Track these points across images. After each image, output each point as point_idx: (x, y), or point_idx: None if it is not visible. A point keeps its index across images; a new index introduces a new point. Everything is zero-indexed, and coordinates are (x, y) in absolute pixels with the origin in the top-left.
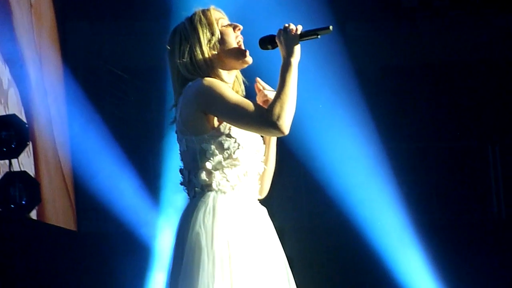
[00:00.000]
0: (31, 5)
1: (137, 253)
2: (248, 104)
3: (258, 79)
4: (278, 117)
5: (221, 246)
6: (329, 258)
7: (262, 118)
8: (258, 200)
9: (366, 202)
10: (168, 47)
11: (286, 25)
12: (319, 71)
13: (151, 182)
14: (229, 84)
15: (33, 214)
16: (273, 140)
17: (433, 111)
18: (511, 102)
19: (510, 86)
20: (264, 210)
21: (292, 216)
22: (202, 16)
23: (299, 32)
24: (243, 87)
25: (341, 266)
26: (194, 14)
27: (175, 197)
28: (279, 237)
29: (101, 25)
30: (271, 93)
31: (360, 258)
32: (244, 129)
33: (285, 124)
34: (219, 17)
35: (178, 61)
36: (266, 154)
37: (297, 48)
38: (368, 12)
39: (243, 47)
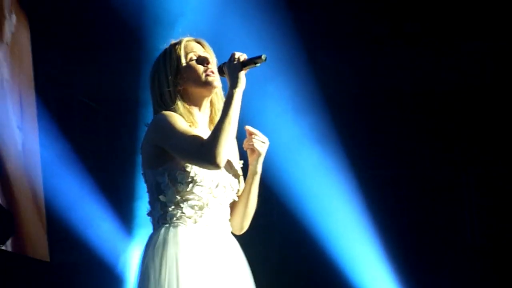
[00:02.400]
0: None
1: (110, 283)
2: (192, 137)
3: (247, 127)
4: (212, 154)
5: (169, 281)
6: None
7: (197, 151)
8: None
9: (338, 230)
10: (148, 81)
11: (232, 54)
12: (290, 100)
13: (123, 212)
14: (201, 114)
15: (6, 246)
16: (255, 181)
17: (406, 138)
18: (485, 129)
19: (484, 113)
20: (232, 240)
21: (263, 250)
22: (172, 50)
23: (241, 61)
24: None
25: None
26: (167, 47)
27: (146, 228)
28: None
29: (71, 55)
30: (258, 142)
31: None
32: (186, 162)
33: (218, 160)
34: (191, 50)
35: (152, 96)
36: (246, 192)
37: (241, 78)
38: (339, 40)
39: (209, 77)
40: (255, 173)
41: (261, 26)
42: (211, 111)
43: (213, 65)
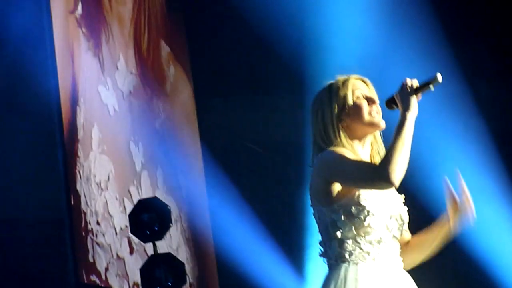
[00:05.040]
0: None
1: None
2: (363, 164)
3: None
4: (386, 170)
5: None
6: None
7: (372, 174)
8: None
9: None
10: (310, 113)
11: (403, 81)
12: (455, 132)
13: (295, 256)
14: (363, 151)
15: None
16: (444, 239)
17: None
18: None
19: None
20: (407, 277)
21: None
22: (339, 85)
23: (414, 87)
24: (383, 148)
25: None
26: (333, 82)
27: (319, 271)
28: None
29: (234, 101)
30: (470, 211)
31: None
32: (361, 188)
33: (393, 176)
34: (357, 88)
35: (314, 129)
36: (430, 241)
37: (413, 102)
38: (499, 69)
39: (374, 118)
40: (449, 233)
41: (422, 61)
42: (370, 150)
43: (377, 106)
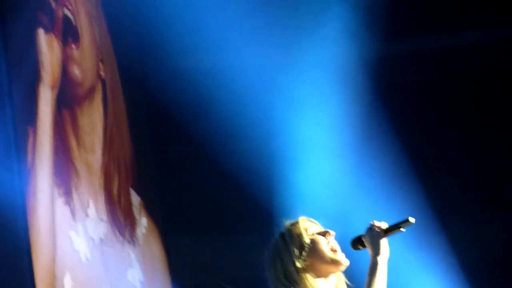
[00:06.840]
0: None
1: None
2: None
3: None
4: None
5: None
6: None
7: None
8: None
9: None
10: (266, 265)
11: (371, 222)
12: (426, 267)
13: None
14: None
15: None
16: None
17: None
18: None
19: None
20: None
21: None
22: (290, 230)
23: (383, 228)
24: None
25: None
26: (284, 229)
27: None
28: None
29: (204, 239)
30: None
31: None
32: None
33: None
34: (308, 227)
35: (273, 277)
36: None
37: (383, 245)
38: (471, 205)
39: (336, 254)
40: None
41: (391, 199)
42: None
43: (333, 238)
